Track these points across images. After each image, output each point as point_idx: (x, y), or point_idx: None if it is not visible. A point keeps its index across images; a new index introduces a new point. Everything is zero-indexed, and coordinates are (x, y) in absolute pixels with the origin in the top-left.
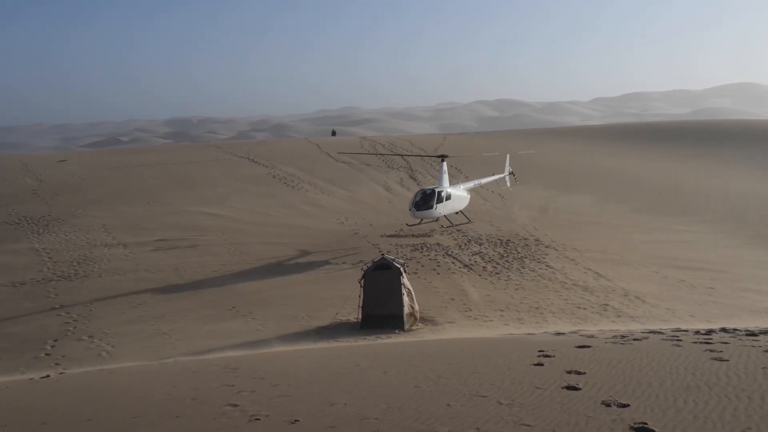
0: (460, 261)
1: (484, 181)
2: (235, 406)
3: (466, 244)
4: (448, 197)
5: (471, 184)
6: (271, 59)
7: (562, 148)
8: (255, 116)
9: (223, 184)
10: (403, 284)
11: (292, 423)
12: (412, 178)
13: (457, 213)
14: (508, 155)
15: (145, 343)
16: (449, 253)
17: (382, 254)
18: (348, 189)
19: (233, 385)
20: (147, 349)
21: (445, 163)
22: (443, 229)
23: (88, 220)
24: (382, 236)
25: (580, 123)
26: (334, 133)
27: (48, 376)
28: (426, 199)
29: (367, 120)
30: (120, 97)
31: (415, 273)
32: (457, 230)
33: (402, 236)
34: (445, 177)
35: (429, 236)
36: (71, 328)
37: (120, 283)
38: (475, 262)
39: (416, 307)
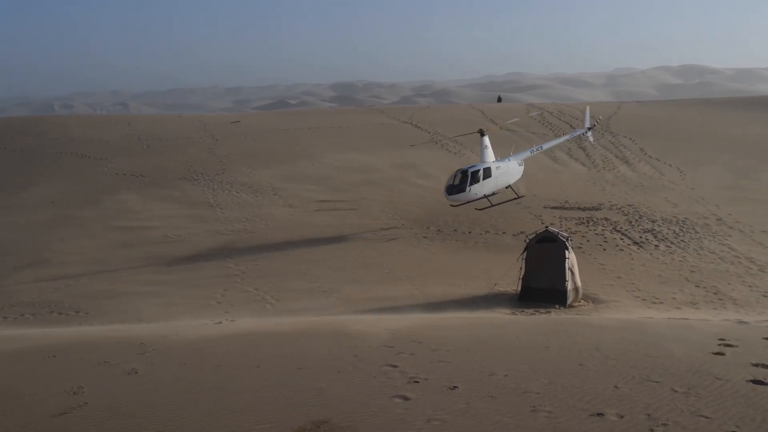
0: (629, 237)
1: (548, 145)
2: (395, 367)
3: (637, 220)
4: (487, 175)
5: (527, 153)
6: (437, 23)
7: (755, 119)
8: (419, 81)
9: (386, 148)
10: (567, 258)
11: (451, 389)
12: (580, 147)
13: (507, 188)
14: (587, 107)
15: (306, 299)
16: (618, 228)
17: (546, 226)
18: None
19: (392, 347)
20: (307, 304)
21: (486, 138)
22: (611, 204)
23: (257, 179)
24: (545, 208)
25: None
26: (499, 100)
27: (220, 322)
28: (459, 181)
29: (534, 86)
30: (289, 62)
31: (580, 248)
32: (629, 205)
33: (567, 208)
34: (487, 152)
35: (597, 210)
36: (239, 280)
37: (284, 240)
38: (647, 239)
39: (579, 283)
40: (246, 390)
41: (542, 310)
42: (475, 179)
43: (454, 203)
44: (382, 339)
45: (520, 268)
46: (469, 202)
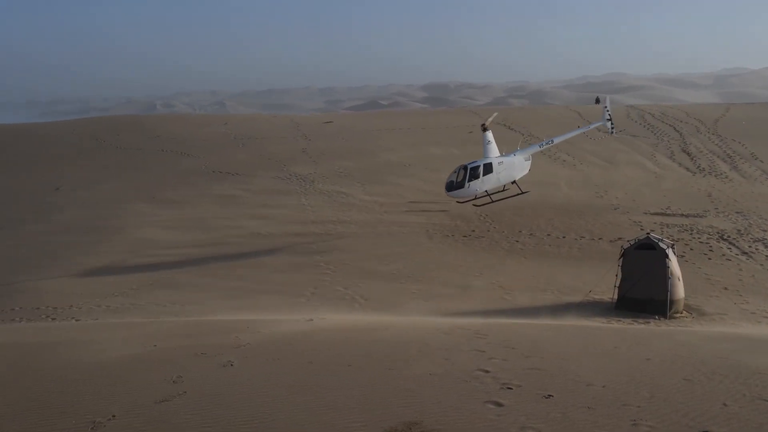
0: (737, 247)
1: (560, 138)
2: (486, 372)
3: (746, 228)
4: (488, 171)
5: (536, 147)
6: (533, 22)
7: None
8: (512, 82)
9: (478, 149)
10: (668, 267)
11: (546, 397)
12: (684, 151)
13: (513, 183)
14: (607, 97)
15: (395, 300)
16: (724, 237)
17: (647, 233)
18: (609, 160)
19: (484, 351)
20: (396, 304)
21: (489, 133)
22: (717, 211)
23: (348, 178)
24: (645, 213)
25: None
26: (598, 101)
27: (311, 320)
28: (459, 178)
29: (635, 87)
30: (381, 62)
31: (682, 256)
32: (737, 213)
33: (669, 215)
34: (490, 147)
35: (701, 217)
36: (329, 279)
37: (373, 240)
38: (757, 249)
39: (682, 293)
40: (338, 387)
41: (641, 321)
42: (474, 175)
43: (460, 200)
44: (473, 343)
45: (617, 276)
46: (469, 198)
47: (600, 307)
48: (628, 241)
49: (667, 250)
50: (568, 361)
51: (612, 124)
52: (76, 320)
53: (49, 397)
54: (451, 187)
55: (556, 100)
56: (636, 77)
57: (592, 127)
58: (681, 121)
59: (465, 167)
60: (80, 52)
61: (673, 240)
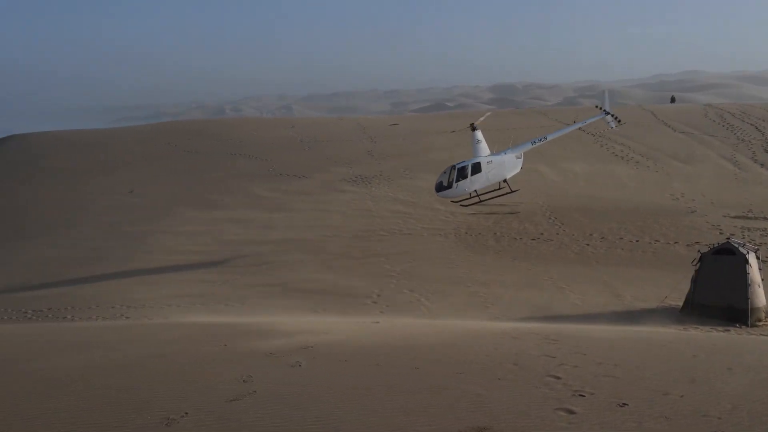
0: None
1: (554, 135)
2: (557, 378)
3: None
4: (476, 170)
5: (528, 145)
6: (603, 20)
7: None
8: (583, 81)
9: (546, 152)
10: (749, 273)
11: (620, 406)
12: (767, 151)
13: (505, 181)
14: (606, 91)
15: (461, 303)
16: None
17: (727, 237)
18: (686, 161)
19: (554, 357)
20: (462, 308)
21: (478, 132)
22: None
23: (413, 180)
24: (725, 216)
25: None
26: (673, 100)
27: (378, 322)
28: (446, 178)
29: (713, 85)
30: (448, 64)
31: (766, 262)
32: None
33: (751, 218)
34: (480, 146)
35: None
36: (394, 281)
37: (439, 243)
38: None
39: (764, 300)
40: (406, 390)
41: (719, 329)
42: (462, 175)
43: (455, 199)
44: (543, 348)
45: (692, 281)
46: (461, 198)
47: (676, 314)
48: (705, 245)
49: (747, 255)
50: (642, 369)
51: (614, 116)
52: (149, 319)
53: (125, 394)
54: (440, 188)
55: (628, 100)
56: (714, 74)
57: (588, 122)
58: (764, 120)
59: (453, 167)
60: (153, 59)
61: (756, 244)
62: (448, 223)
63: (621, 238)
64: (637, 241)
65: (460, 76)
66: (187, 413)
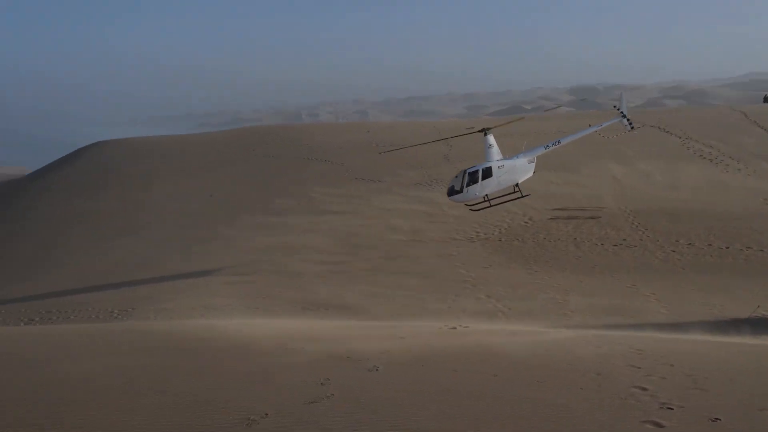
0: None
1: (568, 139)
2: (644, 389)
3: None
4: (486, 175)
5: (541, 149)
6: (689, 18)
7: None
8: (668, 82)
9: (626, 154)
10: None
11: (712, 420)
12: None
13: (517, 185)
14: (623, 93)
15: (539, 310)
16: None
17: None
18: None
19: (640, 368)
20: (541, 315)
21: (490, 137)
22: None
23: None
24: None
25: None
26: (766, 99)
27: (455, 327)
28: (458, 183)
29: None
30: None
31: None
32: None
33: None
34: (492, 151)
35: None
36: (470, 286)
37: (518, 248)
38: None
39: None
40: (485, 397)
41: None
42: (473, 180)
43: (468, 203)
44: (628, 358)
45: None
46: (474, 202)
47: None
48: None
49: None
50: (735, 382)
51: (629, 120)
52: (226, 320)
53: (208, 394)
54: (452, 192)
55: (717, 100)
56: None
57: (605, 125)
58: None
59: (465, 172)
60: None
61: None
62: (526, 229)
63: (710, 245)
64: (727, 247)
65: (539, 79)
66: (267, 414)
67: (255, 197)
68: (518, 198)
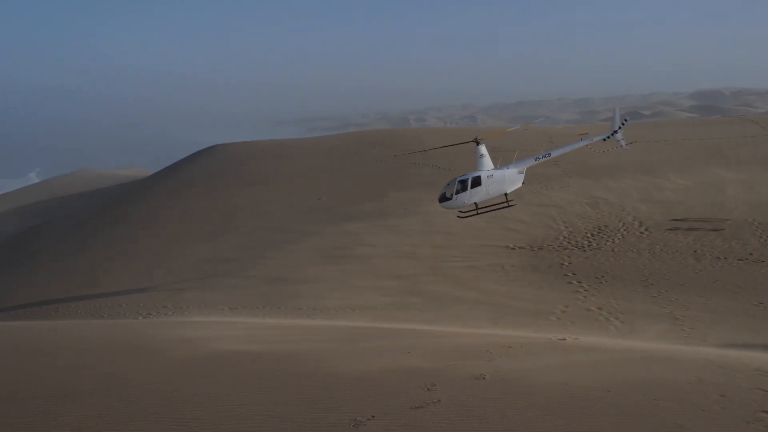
0: None
1: (558, 152)
2: None
3: None
4: (476, 184)
5: (531, 161)
6: None
7: None
8: None
9: (761, 163)
10: None
11: None
12: None
13: (506, 195)
14: (616, 107)
15: (656, 325)
16: None
17: None
18: None
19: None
20: (658, 330)
21: (482, 146)
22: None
23: (604, 193)
24: None
25: None
26: None
27: (564, 339)
28: (449, 190)
29: None
30: (643, 70)
31: None
32: None
33: None
34: (483, 161)
35: None
36: (581, 298)
37: (633, 260)
38: None
39: None
40: (597, 413)
41: None
42: (463, 188)
43: (463, 211)
44: (755, 381)
45: None
46: (463, 209)
47: None
48: None
49: None
50: None
51: (622, 136)
52: (331, 321)
53: (317, 393)
54: (443, 198)
55: None
56: None
57: (596, 139)
58: None
59: (455, 180)
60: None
61: None
62: (641, 239)
63: None
64: None
65: (657, 84)
66: (373, 416)
67: (365, 200)
68: (505, 207)
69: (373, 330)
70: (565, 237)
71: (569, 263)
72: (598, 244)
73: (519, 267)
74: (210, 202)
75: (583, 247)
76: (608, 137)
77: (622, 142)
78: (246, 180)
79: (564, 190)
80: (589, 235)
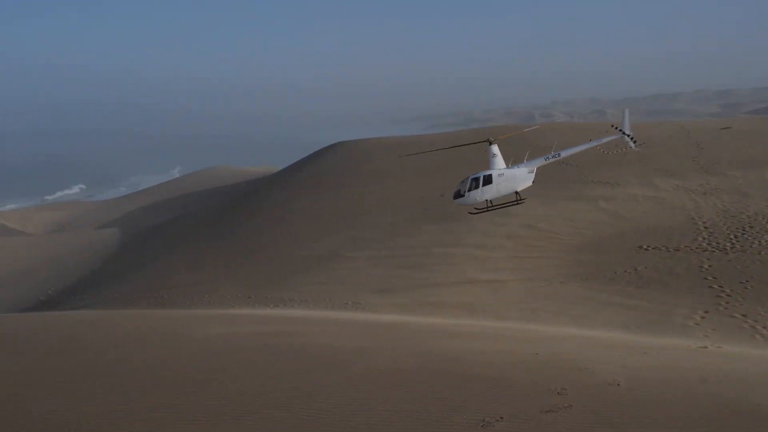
0: None
1: (568, 152)
2: None
3: None
4: (487, 182)
5: (541, 161)
6: None
7: None
8: None
9: None
10: None
11: None
12: None
13: (516, 193)
14: (626, 110)
15: None
16: None
17: None
18: None
19: None
20: None
21: (494, 146)
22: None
23: (749, 189)
24: None
25: None
26: None
27: (705, 347)
28: (463, 188)
29: None
30: None
31: None
32: None
33: None
34: (495, 160)
35: None
36: (723, 303)
37: None
38: None
39: None
40: (738, 428)
41: None
42: (474, 185)
43: (475, 207)
44: None
45: None
46: (475, 206)
47: None
48: None
49: None
50: None
51: (632, 137)
52: (481, 321)
53: (446, 392)
54: (457, 195)
55: None
56: None
57: (605, 140)
58: None
59: (469, 178)
60: (458, 68)
61: None
62: None
63: None
64: None
65: None
66: (502, 418)
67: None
68: (516, 204)
69: (500, 330)
70: (704, 238)
71: (709, 266)
72: (742, 246)
73: (653, 269)
74: (334, 198)
75: (724, 248)
76: (622, 138)
77: (633, 145)
78: (365, 177)
79: (706, 192)
80: (732, 236)
